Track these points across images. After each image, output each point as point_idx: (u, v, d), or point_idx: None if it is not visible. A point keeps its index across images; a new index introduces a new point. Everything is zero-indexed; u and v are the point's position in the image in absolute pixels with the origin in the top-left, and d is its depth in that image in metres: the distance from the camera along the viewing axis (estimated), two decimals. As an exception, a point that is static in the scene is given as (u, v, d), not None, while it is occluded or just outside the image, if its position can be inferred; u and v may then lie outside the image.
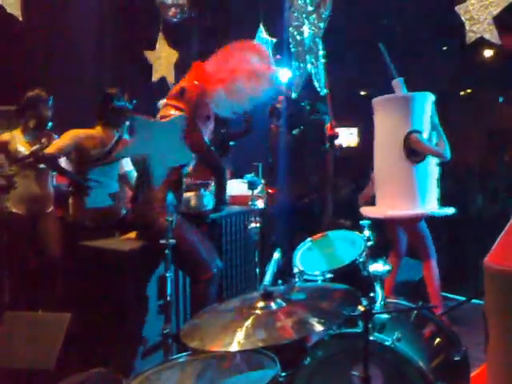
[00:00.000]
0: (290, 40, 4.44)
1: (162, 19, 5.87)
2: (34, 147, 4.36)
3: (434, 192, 4.41)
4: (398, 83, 4.46)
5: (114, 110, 4.30)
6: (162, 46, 5.94)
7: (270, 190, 5.75)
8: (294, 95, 4.47)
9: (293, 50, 4.45)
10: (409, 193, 4.33)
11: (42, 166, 4.44)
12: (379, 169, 4.55)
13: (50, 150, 4.13)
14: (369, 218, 4.20)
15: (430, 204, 4.38)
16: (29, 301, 4.31)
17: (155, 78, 5.97)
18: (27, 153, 4.42)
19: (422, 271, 4.44)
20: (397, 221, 4.42)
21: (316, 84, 4.39)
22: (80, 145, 4.19)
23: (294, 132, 5.30)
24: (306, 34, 4.31)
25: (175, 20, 5.77)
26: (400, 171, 4.36)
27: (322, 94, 4.50)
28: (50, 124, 4.65)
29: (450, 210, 4.39)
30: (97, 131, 4.31)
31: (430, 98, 4.41)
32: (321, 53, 4.34)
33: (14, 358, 3.22)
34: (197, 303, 3.58)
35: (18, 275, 4.54)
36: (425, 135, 4.32)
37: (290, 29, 4.43)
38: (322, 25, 4.30)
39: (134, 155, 3.80)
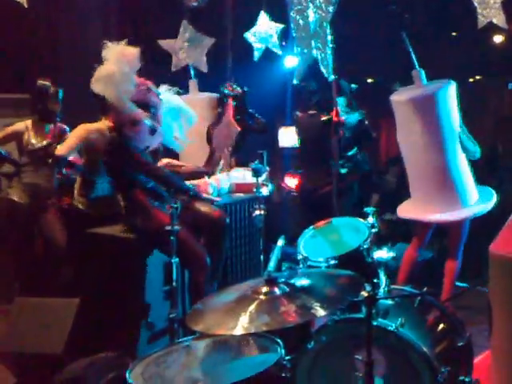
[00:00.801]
0: (292, 25, 4.37)
1: (185, 6, 5.72)
2: (46, 142, 4.39)
3: (473, 187, 4.26)
4: (417, 74, 4.24)
5: None
6: (190, 33, 5.75)
7: (291, 177, 5.75)
8: (295, 81, 4.42)
9: (294, 35, 4.37)
10: (449, 193, 4.16)
11: (50, 160, 4.47)
12: (414, 169, 4.32)
13: (60, 152, 4.13)
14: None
15: (473, 202, 4.22)
16: (38, 287, 4.35)
17: (175, 67, 5.81)
18: (39, 145, 4.45)
19: (446, 261, 4.40)
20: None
21: (323, 70, 4.33)
22: (90, 141, 4.18)
23: (322, 119, 5.26)
24: (311, 19, 4.24)
25: (195, 5, 5.63)
26: (438, 172, 4.16)
27: (329, 80, 4.45)
28: (58, 117, 4.64)
29: (491, 204, 4.22)
30: (103, 124, 4.31)
31: (452, 88, 4.15)
32: (329, 38, 4.27)
33: (24, 342, 3.27)
34: (193, 291, 3.63)
35: (26, 262, 4.59)
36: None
37: (292, 13, 4.34)
38: (330, 9, 4.21)
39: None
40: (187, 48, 5.68)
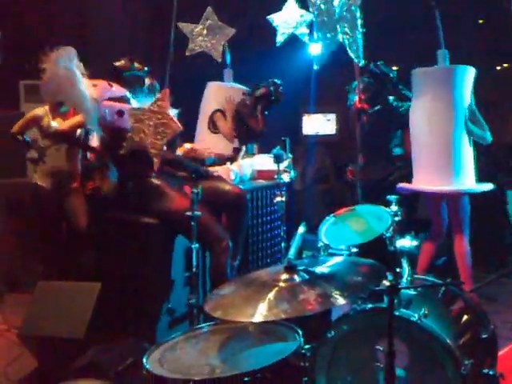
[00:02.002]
0: (310, 9, 4.30)
1: None
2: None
3: (471, 168, 4.32)
4: (442, 54, 4.35)
5: (126, 82, 4.29)
6: (212, 21, 5.68)
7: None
8: (315, 67, 4.34)
9: (315, 19, 4.28)
10: (446, 168, 4.25)
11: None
12: (419, 138, 4.44)
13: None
14: (404, 194, 4.20)
15: (467, 180, 4.28)
16: (61, 271, 4.40)
17: (189, 52, 5.74)
18: (60, 128, 4.49)
19: (454, 248, 4.37)
20: (440, 197, 4.34)
21: (352, 54, 4.25)
22: None
23: (376, 108, 5.21)
24: (335, 3, 4.17)
25: None
26: (439, 146, 4.28)
27: (360, 64, 4.39)
28: None
29: (488, 186, 4.31)
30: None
31: (472, 71, 4.30)
32: (359, 22, 4.20)
33: (46, 326, 3.29)
34: (215, 274, 3.61)
35: (50, 246, 4.64)
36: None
37: None
38: None
39: None
40: (205, 35, 5.62)
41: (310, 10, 4.31)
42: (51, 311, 3.35)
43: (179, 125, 3.46)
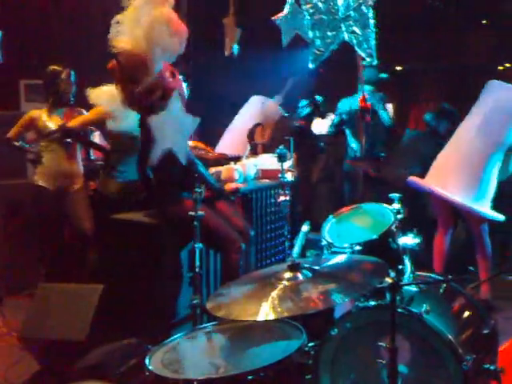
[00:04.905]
0: (304, 7, 4.25)
1: None
2: (61, 123, 4.43)
3: (491, 194, 4.29)
4: None
5: None
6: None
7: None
8: (311, 65, 4.34)
9: (309, 18, 4.23)
10: (471, 185, 4.20)
11: (68, 140, 4.49)
12: (457, 144, 4.37)
13: (72, 124, 4.27)
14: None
15: (486, 204, 4.25)
16: (62, 273, 4.40)
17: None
18: (54, 127, 4.49)
19: (476, 253, 4.41)
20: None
21: (362, 54, 4.23)
22: (103, 121, 4.24)
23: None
24: (340, 2, 4.13)
25: None
26: (474, 161, 4.22)
27: (373, 63, 4.38)
28: (72, 99, 4.64)
29: (500, 217, 4.27)
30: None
31: None
32: (372, 21, 4.16)
33: (47, 328, 3.29)
34: (227, 275, 3.60)
35: (52, 247, 4.63)
36: None
37: None
38: None
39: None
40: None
41: (304, 7, 4.27)
42: (52, 313, 3.35)
43: None
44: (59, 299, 3.41)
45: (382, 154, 5.47)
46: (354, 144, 5.64)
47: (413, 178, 4.42)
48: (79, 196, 4.64)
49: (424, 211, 5.21)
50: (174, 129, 3.27)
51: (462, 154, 4.27)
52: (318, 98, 5.98)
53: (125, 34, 3.23)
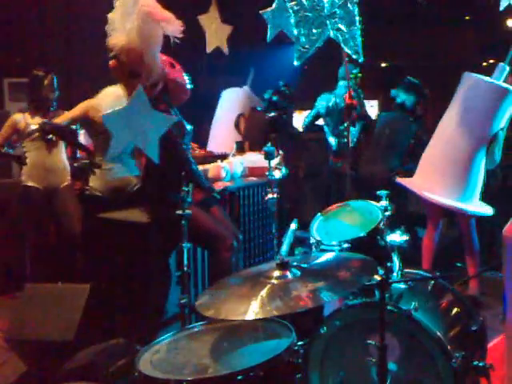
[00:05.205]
0: (288, 4, 4.23)
1: None
2: (42, 121, 4.41)
3: (479, 190, 4.28)
4: (501, 68, 4.15)
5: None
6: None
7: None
8: (296, 63, 4.33)
9: (294, 15, 4.21)
10: (458, 183, 4.18)
11: (50, 136, 4.46)
12: (439, 147, 4.34)
13: (56, 120, 4.27)
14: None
15: (475, 201, 4.24)
16: (49, 273, 4.36)
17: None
18: (35, 126, 4.46)
19: (465, 252, 4.42)
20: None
21: (348, 51, 4.22)
22: (88, 115, 4.23)
23: None
24: None
25: None
26: (459, 160, 4.19)
27: (360, 60, 4.37)
28: (54, 104, 4.63)
29: (489, 211, 4.26)
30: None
31: None
32: (357, 18, 4.15)
33: (34, 329, 3.26)
34: (218, 274, 3.58)
35: (38, 248, 4.60)
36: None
37: None
38: None
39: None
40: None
41: (288, 4, 4.25)
42: (39, 314, 3.32)
43: None
44: (46, 299, 3.38)
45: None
46: (332, 140, 5.65)
47: (400, 180, 4.40)
48: (68, 194, 4.62)
49: (405, 207, 5.24)
50: (140, 123, 3.20)
51: (447, 154, 4.24)
52: (281, 83, 5.90)
53: (118, 30, 3.22)
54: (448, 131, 4.29)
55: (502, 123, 4.18)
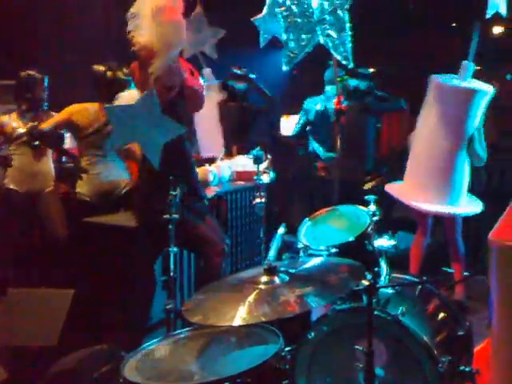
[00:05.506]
0: (277, 9, 4.23)
1: None
2: (30, 125, 4.37)
3: (465, 190, 4.27)
4: (466, 66, 4.14)
5: (106, 84, 4.26)
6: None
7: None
8: (285, 68, 4.33)
9: (283, 20, 4.21)
10: (443, 187, 4.17)
11: (36, 143, 4.42)
12: (420, 152, 4.30)
13: (42, 126, 4.24)
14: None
15: (462, 203, 4.24)
16: (32, 278, 4.31)
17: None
18: (23, 130, 4.42)
19: (450, 254, 4.44)
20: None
21: (338, 57, 4.23)
22: (72, 120, 4.21)
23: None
24: (315, 5, 4.13)
25: None
26: (441, 165, 4.17)
27: (349, 67, 4.37)
28: (45, 105, 4.61)
29: (478, 208, 4.24)
30: (93, 105, 4.29)
31: (490, 92, 4.15)
32: (347, 25, 4.16)
33: (16, 335, 3.21)
34: (208, 280, 3.55)
35: (21, 252, 4.55)
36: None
37: None
38: None
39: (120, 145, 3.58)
40: (195, 36, 5.61)
41: (277, 10, 4.25)
42: (22, 319, 3.27)
43: None
44: (29, 304, 3.34)
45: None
46: (315, 145, 5.63)
47: (388, 189, 4.38)
48: (51, 198, 4.59)
49: (389, 212, 5.24)
50: (145, 124, 3.17)
51: (428, 160, 4.23)
52: (235, 71, 5.70)
53: (143, 28, 3.18)
54: (426, 138, 4.28)
55: (476, 122, 4.18)
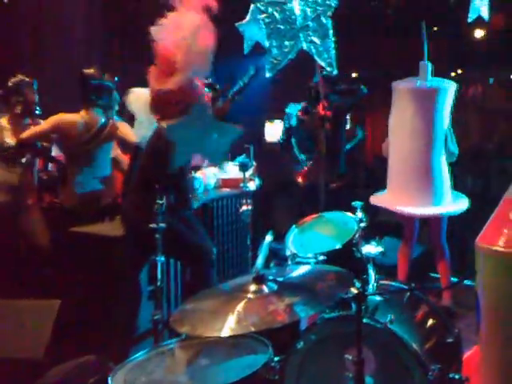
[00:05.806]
0: (259, 16, 4.23)
1: None
2: (19, 138, 4.33)
3: (448, 187, 4.28)
4: (424, 66, 4.18)
5: (93, 90, 4.23)
6: None
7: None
8: (268, 74, 4.33)
9: (265, 27, 4.21)
10: (426, 190, 4.18)
11: (23, 160, 4.39)
12: (397, 158, 4.32)
13: (24, 135, 4.18)
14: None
15: (447, 202, 4.24)
16: (18, 290, 4.25)
17: None
18: (11, 144, 4.37)
19: (436, 260, 4.42)
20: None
21: (322, 63, 4.23)
22: (60, 130, 4.18)
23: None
24: (297, 12, 4.15)
25: None
26: (419, 167, 4.19)
27: (333, 73, 4.37)
28: (38, 109, 4.56)
29: (464, 204, 4.26)
30: (81, 115, 4.25)
31: (453, 87, 4.20)
32: (331, 31, 4.17)
33: (2, 346, 3.16)
34: (199, 289, 3.52)
35: (6, 263, 4.48)
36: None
37: (259, 5, 4.21)
38: (333, 3, 4.12)
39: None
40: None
41: (259, 16, 4.25)
42: (7, 331, 3.22)
43: None
44: (14, 316, 3.29)
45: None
46: (296, 152, 5.62)
47: (373, 201, 4.37)
48: (32, 211, 4.50)
49: (375, 217, 5.25)
50: (202, 133, 3.15)
51: (406, 164, 4.24)
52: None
53: (166, 39, 3.16)
54: (398, 143, 4.31)
55: (446, 119, 4.20)
